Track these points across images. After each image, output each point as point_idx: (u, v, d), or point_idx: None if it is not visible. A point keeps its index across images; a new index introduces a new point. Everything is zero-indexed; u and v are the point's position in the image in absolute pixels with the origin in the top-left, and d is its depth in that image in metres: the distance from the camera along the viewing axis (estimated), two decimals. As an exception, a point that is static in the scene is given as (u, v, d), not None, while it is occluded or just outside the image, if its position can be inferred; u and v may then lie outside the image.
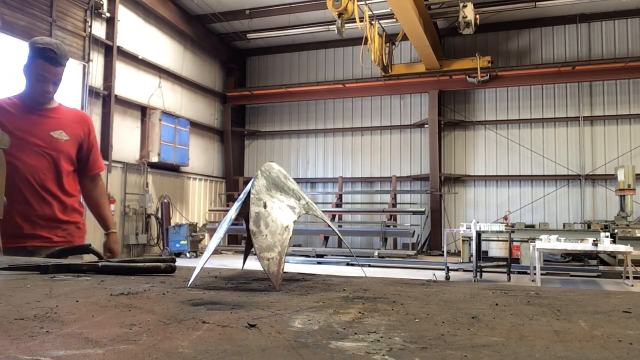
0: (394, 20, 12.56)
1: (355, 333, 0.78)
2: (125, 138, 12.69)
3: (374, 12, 12.77)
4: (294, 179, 1.61)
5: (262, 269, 1.29)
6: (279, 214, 1.39)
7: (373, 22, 12.65)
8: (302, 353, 0.67)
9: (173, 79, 14.64)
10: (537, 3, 13.27)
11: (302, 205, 1.50)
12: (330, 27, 13.86)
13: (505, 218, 13.88)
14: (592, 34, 14.54)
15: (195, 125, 15.39)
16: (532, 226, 13.35)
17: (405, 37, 13.22)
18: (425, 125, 15.29)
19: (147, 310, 0.95)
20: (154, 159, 13.17)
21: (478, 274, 9.21)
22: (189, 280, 1.31)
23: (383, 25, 13.59)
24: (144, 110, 13.34)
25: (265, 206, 1.38)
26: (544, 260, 10.77)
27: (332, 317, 0.90)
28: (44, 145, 2.54)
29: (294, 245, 14.18)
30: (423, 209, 13.98)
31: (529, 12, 14.10)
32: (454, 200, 15.46)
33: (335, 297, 1.14)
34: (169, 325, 0.83)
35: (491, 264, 10.18)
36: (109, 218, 2.80)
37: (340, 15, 9.65)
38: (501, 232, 9.78)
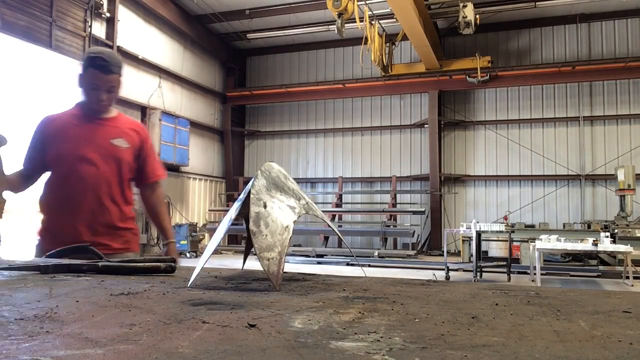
0: (394, 20, 12.55)
1: (355, 333, 0.78)
2: (125, 138, 12.67)
3: (374, 12, 12.77)
4: (294, 179, 1.61)
5: (262, 269, 1.29)
6: (279, 214, 1.39)
7: (373, 22, 12.64)
8: (302, 353, 0.67)
9: (173, 79, 14.64)
10: (537, 3, 13.26)
11: (302, 205, 1.50)
12: (330, 27, 13.86)
13: (505, 218, 13.88)
14: (592, 34, 14.54)
15: (195, 125, 15.39)
16: (532, 226, 13.35)
17: (405, 37, 13.22)
18: (425, 125, 15.29)
19: (147, 310, 0.95)
20: (154, 158, 13.15)
21: (478, 274, 9.20)
22: (189, 280, 1.31)
23: (383, 25, 13.59)
24: (144, 110, 13.34)
25: (265, 206, 1.38)
26: (544, 260, 10.76)
27: (332, 317, 0.90)
28: (106, 152, 2.56)
29: (294, 245, 14.17)
30: (423, 209, 13.98)
31: (529, 12, 14.10)
32: (454, 200, 15.46)
33: (335, 297, 1.14)
34: (169, 325, 0.83)
35: (491, 264, 10.18)
36: (168, 228, 2.84)
37: (340, 15, 9.65)
38: (501, 232, 9.78)
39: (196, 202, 15.79)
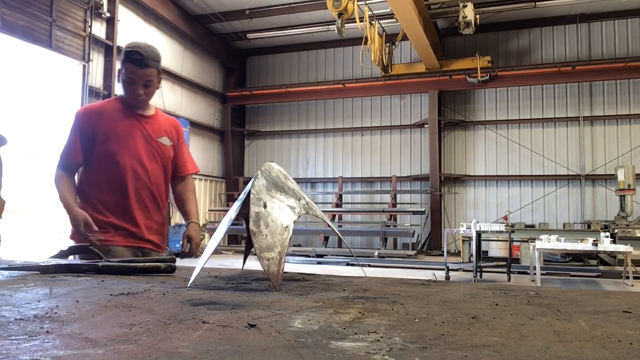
0: (394, 20, 12.55)
1: (355, 333, 0.78)
2: (125, 138, 12.68)
3: (374, 12, 12.77)
4: (294, 179, 1.61)
5: (262, 269, 1.29)
6: (279, 214, 1.39)
7: (373, 22, 12.64)
8: (302, 353, 0.67)
9: (173, 79, 14.64)
10: (537, 3, 13.26)
11: (302, 205, 1.50)
12: (330, 27, 13.85)
13: (505, 218, 13.88)
14: (592, 34, 14.54)
15: (195, 125, 15.39)
16: (532, 226, 13.34)
17: (405, 37, 13.21)
18: (425, 125, 15.29)
19: (147, 310, 0.95)
20: (154, 159, 13.16)
21: (478, 274, 9.20)
22: (189, 280, 1.31)
23: (383, 25, 13.59)
24: (144, 110, 13.34)
25: (265, 206, 1.38)
26: (544, 260, 10.76)
27: (332, 317, 0.90)
28: (155, 151, 2.58)
29: (294, 245, 14.17)
30: (423, 209, 13.99)
31: (529, 12, 14.10)
32: (454, 200, 15.46)
33: (335, 297, 1.14)
34: (169, 325, 0.83)
35: (491, 264, 10.18)
36: (192, 210, 2.72)
37: (340, 15, 9.65)
38: (501, 232, 9.78)
39: (196, 202, 15.76)
